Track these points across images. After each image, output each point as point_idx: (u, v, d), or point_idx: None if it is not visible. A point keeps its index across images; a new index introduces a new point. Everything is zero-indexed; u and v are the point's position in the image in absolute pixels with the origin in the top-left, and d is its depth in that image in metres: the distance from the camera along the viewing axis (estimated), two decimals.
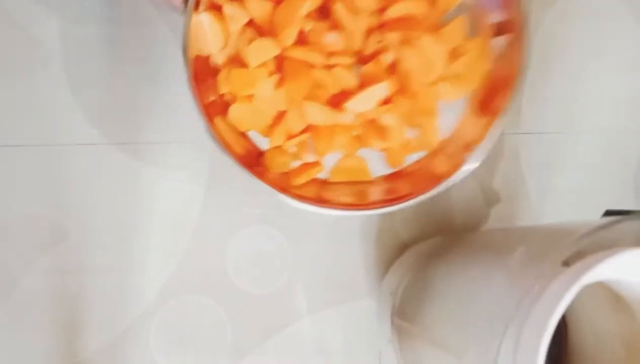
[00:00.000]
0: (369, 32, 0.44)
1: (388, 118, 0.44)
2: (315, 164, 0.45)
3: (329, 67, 0.44)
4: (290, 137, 0.44)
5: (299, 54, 0.43)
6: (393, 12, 0.44)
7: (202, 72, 0.43)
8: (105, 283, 0.43)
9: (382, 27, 0.44)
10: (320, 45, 0.43)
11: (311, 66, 0.43)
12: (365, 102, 0.43)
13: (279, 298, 0.46)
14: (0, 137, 0.43)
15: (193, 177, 0.46)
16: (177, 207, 0.46)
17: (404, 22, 0.43)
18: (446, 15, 0.45)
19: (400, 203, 0.40)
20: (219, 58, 0.44)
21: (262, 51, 0.42)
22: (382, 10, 0.44)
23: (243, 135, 0.46)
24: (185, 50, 0.39)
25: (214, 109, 0.43)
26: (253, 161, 0.45)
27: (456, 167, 0.41)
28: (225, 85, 0.44)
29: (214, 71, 0.44)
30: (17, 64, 0.44)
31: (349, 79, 0.44)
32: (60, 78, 0.44)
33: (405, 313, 0.41)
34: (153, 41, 0.46)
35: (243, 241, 0.46)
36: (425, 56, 0.43)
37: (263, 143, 0.46)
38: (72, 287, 0.43)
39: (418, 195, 0.40)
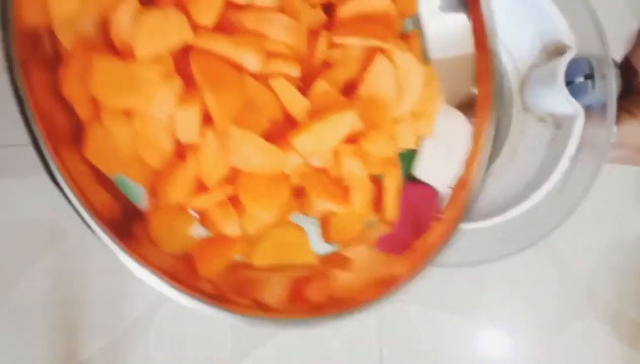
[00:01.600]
0: (313, 34, 0.29)
1: (352, 167, 0.29)
2: (237, 240, 0.28)
3: (267, 77, 0.27)
4: (200, 190, 0.27)
5: (225, 45, 0.26)
6: (350, 8, 0.29)
7: (33, 59, 0.25)
8: (105, 284, 0.43)
9: (333, 28, 0.30)
10: (257, 37, 0.27)
11: (241, 72, 0.27)
12: (323, 139, 0.27)
13: None
14: (0, 137, 0.43)
15: None
16: None
17: (364, 25, 0.29)
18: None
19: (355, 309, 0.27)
20: (64, 35, 0.25)
21: (162, 32, 0.24)
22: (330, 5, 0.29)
23: (107, 180, 0.27)
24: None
25: (54, 129, 0.25)
26: (122, 226, 0.27)
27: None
28: (76, 87, 0.25)
29: (55, 59, 0.26)
30: None
31: (299, 100, 0.28)
32: None
33: None
34: None
35: None
36: (401, 75, 0.29)
37: (138, 196, 0.28)
38: (72, 288, 0.42)
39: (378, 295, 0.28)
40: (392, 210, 0.31)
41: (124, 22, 0.25)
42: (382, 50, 0.29)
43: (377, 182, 0.31)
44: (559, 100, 0.43)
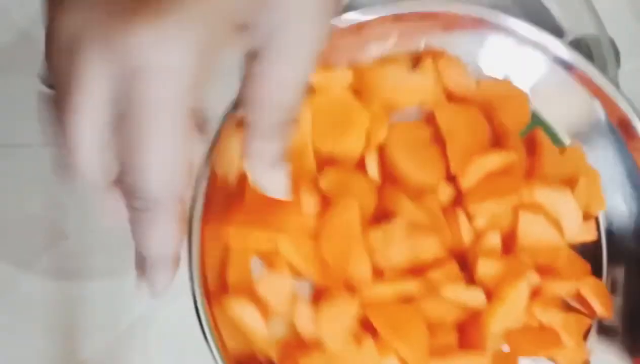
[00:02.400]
0: (447, 212, 0.31)
1: (549, 317, 0.31)
2: None
3: (432, 286, 0.29)
4: None
5: (391, 288, 0.29)
6: (475, 173, 0.30)
7: None
8: (105, 284, 0.42)
9: (462, 199, 0.31)
10: (407, 261, 0.29)
11: (410, 301, 0.29)
12: (511, 312, 0.29)
13: None
14: (0, 136, 0.42)
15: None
16: None
17: (492, 185, 0.30)
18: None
19: None
20: (270, 350, 0.30)
21: (339, 318, 0.28)
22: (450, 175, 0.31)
23: None
24: None
25: None
26: None
27: None
28: None
29: None
30: (17, 64, 0.42)
31: (473, 296, 0.30)
32: None
33: None
34: None
35: None
36: (553, 213, 0.30)
37: None
38: (71, 288, 0.42)
39: None
40: (603, 308, 0.31)
41: (304, 320, 0.28)
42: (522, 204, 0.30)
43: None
44: None
